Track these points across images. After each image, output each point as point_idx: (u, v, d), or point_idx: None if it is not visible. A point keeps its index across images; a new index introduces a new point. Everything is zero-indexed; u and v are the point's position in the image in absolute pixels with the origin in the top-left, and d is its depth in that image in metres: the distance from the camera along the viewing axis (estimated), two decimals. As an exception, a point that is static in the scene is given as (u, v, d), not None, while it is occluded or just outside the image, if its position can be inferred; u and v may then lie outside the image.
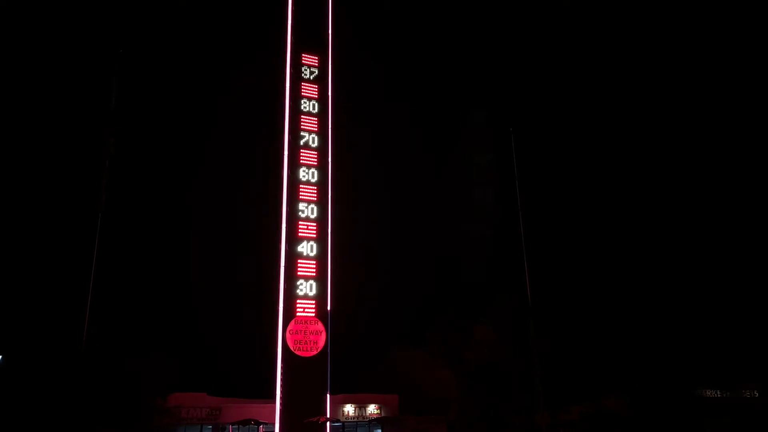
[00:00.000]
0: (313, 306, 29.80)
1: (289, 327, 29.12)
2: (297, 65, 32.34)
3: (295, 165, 30.92)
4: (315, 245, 30.37)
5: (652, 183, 41.40)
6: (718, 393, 41.93)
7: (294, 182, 30.70)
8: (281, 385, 28.64)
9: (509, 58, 40.51)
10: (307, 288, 29.84)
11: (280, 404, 28.53)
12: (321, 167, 31.34)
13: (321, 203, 30.89)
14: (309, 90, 32.27)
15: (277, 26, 32.89)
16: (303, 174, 30.97)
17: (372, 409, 33.40)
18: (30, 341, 25.81)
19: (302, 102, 31.93)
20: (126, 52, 29.87)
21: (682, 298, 41.02)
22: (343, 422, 32.65)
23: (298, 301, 29.61)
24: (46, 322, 26.68)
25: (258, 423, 30.96)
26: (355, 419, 33.23)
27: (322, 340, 29.51)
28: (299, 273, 29.89)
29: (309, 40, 32.85)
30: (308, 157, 31.30)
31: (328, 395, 29.45)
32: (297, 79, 32.15)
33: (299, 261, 29.95)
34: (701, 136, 41.91)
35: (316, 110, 32.04)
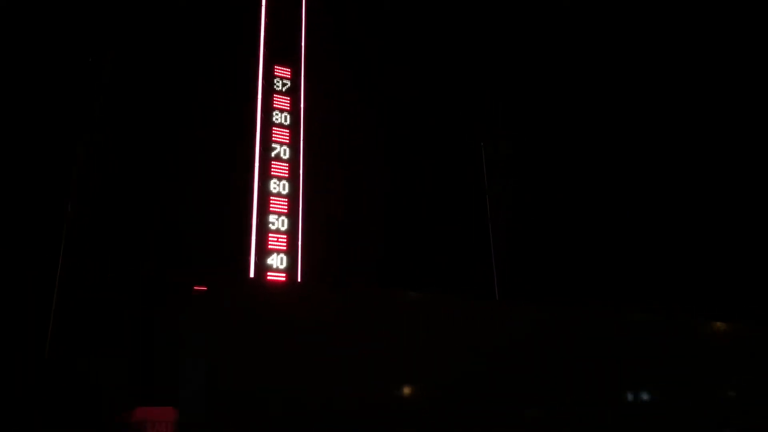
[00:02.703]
0: (283, 319, 29.59)
1: (258, 340, 28.86)
2: (269, 77, 32.33)
3: (265, 177, 30.82)
4: (285, 258, 30.25)
5: (641, 191, 41.86)
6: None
7: (264, 194, 30.58)
8: (249, 399, 28.34)
9: (495, 63, 40.80)
10: (276, 301, 29.65)
11: (248, 418, 28.22)
12: (292, 179, 31.30)
13: (291, 215, 30.82)
14: (281, 102, 32.27)
15: (248, 38, 32.85)
16: (274, 186, 30.86)
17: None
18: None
19: (274, 114, 31.90)
20: (95, 61, 29.59)
21: (663, 304, 41.51)
22: None
23: (268, 314, 29.38)
24: (8, 333, 26.09)
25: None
26: None
27: (291, 353, 29.30)
28: (269, 285, 29.73)
29: (281, 51, 32.90)
30: (279, 169, 31.23)
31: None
32: (269, 91, 32.14)
33: (269, 273, 29.79)
34: (701, 138, 42.54)
35: (288, 122, 32.03)
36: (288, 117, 32.10)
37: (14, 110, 29.73)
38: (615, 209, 40.32)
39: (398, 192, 35.48)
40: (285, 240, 30.41)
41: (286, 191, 30.98)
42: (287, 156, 31.50)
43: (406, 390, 20.69)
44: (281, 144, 31.53)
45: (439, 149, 37.70)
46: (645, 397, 24.03)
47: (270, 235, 30.18)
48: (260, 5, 33.12)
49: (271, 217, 30.42)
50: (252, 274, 29.40)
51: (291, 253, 30.32)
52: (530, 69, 41.98)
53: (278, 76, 32.48)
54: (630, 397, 23.69)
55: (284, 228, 30.51)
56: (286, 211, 30.73)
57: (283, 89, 32.45)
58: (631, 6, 44.25)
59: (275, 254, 30.03)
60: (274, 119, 31.75)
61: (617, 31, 43.77)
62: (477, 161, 37.38)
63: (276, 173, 31.07)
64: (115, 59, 31.85)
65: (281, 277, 29.88)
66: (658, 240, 40.07)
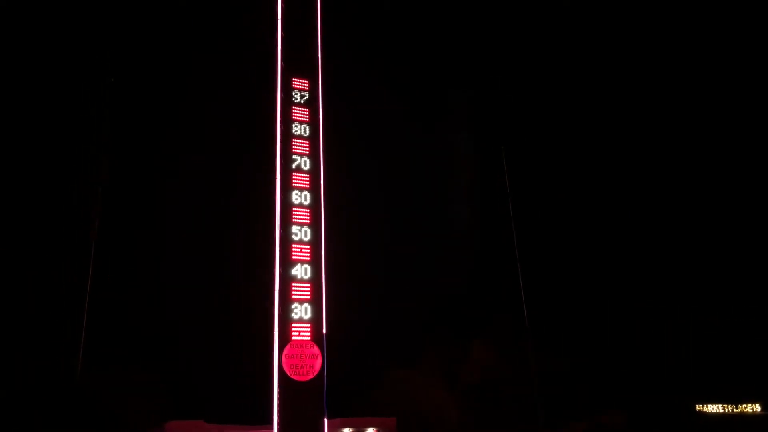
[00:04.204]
0: (309, 329, 29.61)
1: (285, 351, 28.93)
2: (287, 90, 32.53)
3: (287, 188, 30.94)
4: (309, 268, 30.25)
5: (648, 192, 41.45)
6: (719, 408, 41.65)
7: (286, 205, 30.69)
8: (278, 411, 28.35)
9: (506, 62, 40.75)
10: (302, 311, 29.69)
11: (278, 430, 28.23)
12: (313, 190, 31.36)
13: (314, 226, 30.85)
14: (300, 114, 32.42)
15: (266, 51, 33.16)
16: (295, 197, 30.98)
17: (370, 432, 33.10)
18: (24, 369, 25.67)
19: (293, 126, 32.06)
20: (117, 80, 30.13)
21: (681, 311, 40.91)
22: (342, 446, 32.35)
23: (293, 324, 29.43)
24: (40, 348, 26.54)
25: (256, 450, 30.59)
26: (354, 443, 32.88)
27: (318, 363, 29.31)
28: (294, 296, 29.73)
29: (299, 64, 33.08)
30: (300, 180, 31.33)
31: (325, 419, 29.15)
32: (287, 103, 32.31)
33: (293, 284, 29.81)
34: (701, 139, 42.04)
35: (307, 133, 32.17)
36: (307, 128, 32.24)
37: (48, 125, 30.41)
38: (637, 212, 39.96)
39: (418, 198, 35.57)
40: (308, 250, 30.45)
41: (307, 202, 31.06)
42: (308, 167, 31.61)
43: None
44: (301, 155, 31.66)
45: (458, 154, 37.77)
46: None
47: (293, 246, 30.27)
48: (276, 20, 33.35)
49: (294, 228, 30.50)
50: (277, 285, 29.49)
51: (315, 262, 30.34)
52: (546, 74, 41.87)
53: (296, 88, 32.68)
54: None
55: (307, 238, 30.56)
56: (308, 221, 30.79)
57: (302, 101, 32.63)
58: (632, 6, 43.95)
59: (299, 264, 30.09)
60: (293, 131, 31.91)
61: (618, 31, 43.48)
62: (498, 165, 37.18)
63: (297, 184, 31.18)
64: (133, 80, 32.46)
65: (306, 288, 29.92)
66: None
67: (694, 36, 42.37)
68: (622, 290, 39.19)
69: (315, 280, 30.18)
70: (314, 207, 31.08)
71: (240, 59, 33.85)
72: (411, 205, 35.96)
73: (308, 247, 30.49)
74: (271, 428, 28.70)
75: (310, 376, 29.00)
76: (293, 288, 29.81)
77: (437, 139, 38.02)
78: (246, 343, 32.78)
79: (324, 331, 29.81)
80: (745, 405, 41.43)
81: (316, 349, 29.41)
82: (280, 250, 30.02)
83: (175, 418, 30.24)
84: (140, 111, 34.93)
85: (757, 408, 41.15)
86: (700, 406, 41.89)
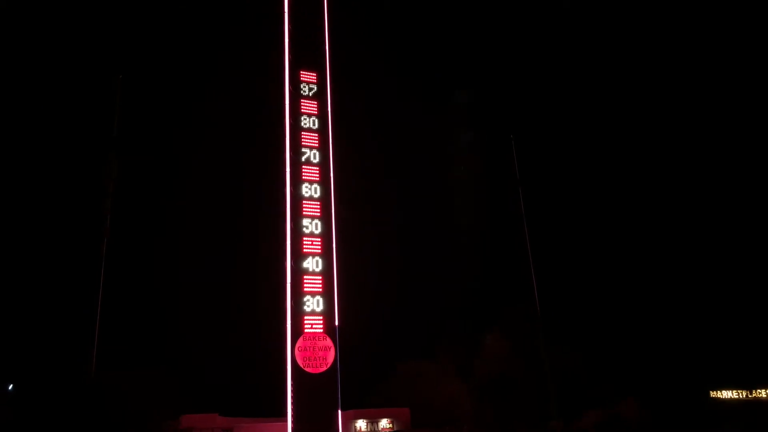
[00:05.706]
0: (321, 322, 29.66)
1: (298, 344, 29.01)
2: (296, 83, 32.46)
3: (297, 181, 30.93)
4: (320, 260, 30.28)
5: (656, 182, 41.31)
6: (734, 394, 41.57)
7: (297, 198, 30.68)
8: (292, 403, 28.46)
9: (510, 60, 40.68)
10: (314, 304, 29.74)
11: (292, 422, 28.34)
12: (323, 182, 31.34)
13: (325, 218, 30.87)
14: (308, 107, 32.35)
15: (274, 45, 33.08)
16: (306, 190, 30.97)
17: (384, 423, 33.17)
18: (40, 368, 25.84)
19: (302, 119, 32.00)
20: (126, 76, 30.15)
21: (693, 297, 40.75)
22: (356, 438, 32.50)
23: (306, 317, 29.49)
24: (55, 348, 26.72)
25: (270, 442, 30.76)
26: (368, 434, 33.01)
27: (331, 355, 29.38)
28: (305, 289, 29.79)
29: (307, 56, 32.98)
30: (310, 172, 31.31)
31: (339, 411, 29.26)
32: (296, 96, 32.24)
33: (305, 277, 29.86)
34: (702, 137, 41.87)
35: (316, 126, 32.12)
36: (316, 121, 32.18)
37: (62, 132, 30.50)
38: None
39: (429, 189, 35.52)
40: (319, 243, 30.43)
41: (317, 194, 31.04)
42: (317, 159, 31.56)
43: None
44: (311, 148, 31.61)
45: (468, 145, 37.68)
46: None
47: (304, 238, 30.28)
48: (283, 13, 33.22)
49: (305, 221, 30.50)
50: (288, 278, 29.52)
51: (326, 255, 30.34)
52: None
53: (304, 81, 32.59)
54: None
55: (318, 231, 30.55)
56: (318, 214, 30.78)
57: (310, 93, 32.55)
58: (631, 7, 43.67)
59: (310, 257, 30.10)
60: (302, 124, 31.85)
61: (628, 23, 43.18)
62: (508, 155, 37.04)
63: (307, 177, 31.14)
64: (142, 76, 32.46)
65: (317, 280, 29.95)
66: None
67: (695, 31, 42.13)
68: (634, 279, 39.03)
69: (326, 273, 30.20)
70: (324, 199, 31.07)
71: (248, 53, 33.78)
72: (422, 195, 35.89)
73: (319, 239, 30.50)
74: (285, 421, 28.84)
75: (323, 369, 29.07)
76: (305, 281, 29.86)
77: (447, 130, 37.88)
78: (259, 336, 32.90)
79: (336, 323, 29.85)
80: (759, 390, 41.31)
81: (328, 342, 29.47)
82: (291, 243, 30.02)
83: (189, 412, 30.46)
84: (149, 107, 35.00)
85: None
86: (714, 392, 41.81)
